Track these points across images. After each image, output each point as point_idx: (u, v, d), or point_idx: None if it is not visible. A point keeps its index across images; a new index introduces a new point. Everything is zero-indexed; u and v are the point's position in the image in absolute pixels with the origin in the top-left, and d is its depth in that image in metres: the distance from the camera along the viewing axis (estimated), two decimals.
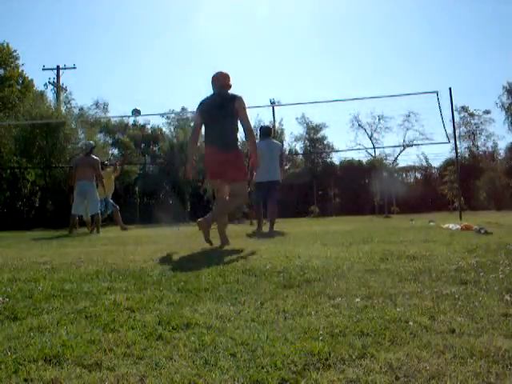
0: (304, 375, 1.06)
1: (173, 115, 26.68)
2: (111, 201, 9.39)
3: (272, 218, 6.40)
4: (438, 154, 27.66)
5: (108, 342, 1.31)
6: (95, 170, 7.65)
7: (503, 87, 27.36)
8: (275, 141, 6.75)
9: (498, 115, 28.98)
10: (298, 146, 30.76)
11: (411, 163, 29.32)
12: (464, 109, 29.98)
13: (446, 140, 9.53)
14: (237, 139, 4.20)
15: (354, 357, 1.16)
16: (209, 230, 3.87)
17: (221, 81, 4.09)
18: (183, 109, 27.29)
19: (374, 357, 1.15)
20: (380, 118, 30.47)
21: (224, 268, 2.55)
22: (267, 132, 6.65)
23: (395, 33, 47.36)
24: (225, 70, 4.16)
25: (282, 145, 7.06)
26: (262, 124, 25.52)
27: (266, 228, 6.43)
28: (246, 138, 4.21)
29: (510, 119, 27.35)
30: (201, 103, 4.11)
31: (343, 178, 25.34)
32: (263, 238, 4.89)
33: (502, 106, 27.75)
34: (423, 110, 23.80)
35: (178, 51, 54.14)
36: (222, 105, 3.97)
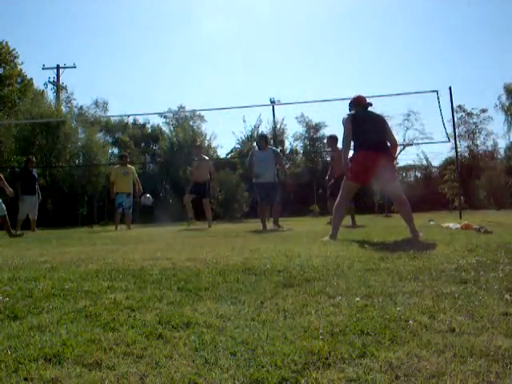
0: (304, 374, 1.06)
1: (171, 114, 26.66)
2: (126, 201, 9.18)
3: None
4: (438, 153, 27.67)
5: (108, 341, 1.31)
6: None
7: (504, 87, 27.06)
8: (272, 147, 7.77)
9: (498, 114, 28.68)
10: (298, 146, 30.74)
11: (411, 162, 29.30)
12: (461, 108, 29.88)
13: (445, 139, 9.50)
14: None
15: (354, 356, 1.16)
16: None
17: (365, 102, 4.73)
18: (181, 107, 27.25)
19: (374, 356, 1.15)
20: None
21: (224, 267, 2.55)
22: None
23: (395, 32, 47.34)
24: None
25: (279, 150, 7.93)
26: (262, 123, 25.53)
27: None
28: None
29: (509, 119, 27.04)
30: (353, 115, 4.62)
31: (343, 178, 25.17)
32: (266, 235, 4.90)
33: (502, 106, 27.43)
34: (423, 109, 23.78)
35: (178, 50, 54.08)
36: (375, 119, 4.59)
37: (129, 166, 9.60)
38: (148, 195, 9.82)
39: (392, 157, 4.59)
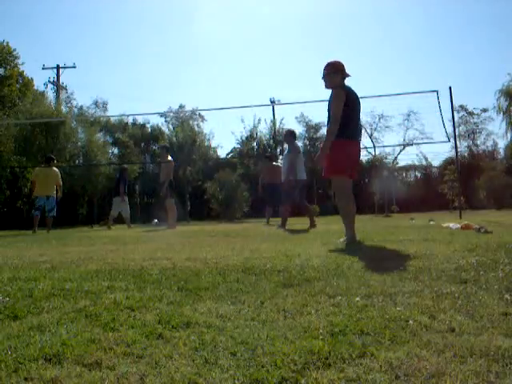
0: (304, 374, 1.06)
1: (171, 114, 26.68)
2: (47, 203, 9.04)
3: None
4: (438, 153, 27.63)
5: (108, 340, 1.31)
6: None
7: (500, 90, 26.71)
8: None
9: (497, 115, 28.49)
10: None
11: (411, 162, 29.34)
12: (462, 108, 29.85)
13: (445, 139, 9.50)
14: None
15: (354, 356, 1.15)
16: None
17: (345, 71, 3.77)
18: (181, 106, 27.26)
19: (374, 356, 1.15)
20: (380, 117, 30.43)
21: (224, 267, 2.55)
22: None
23: (395, 32, 47.36)
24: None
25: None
26: (261, 123, 25.44)
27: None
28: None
29: (506, 120, 26.76)
30: (347, 92, 3.68)
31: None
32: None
33: (499, 109, 27.12)
34: (423, 109, 23.80)
35: (178, 50, 54.12)
36: (358, 98, 3.86)
37: (53, 168, 9.36)
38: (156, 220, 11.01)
39: None
